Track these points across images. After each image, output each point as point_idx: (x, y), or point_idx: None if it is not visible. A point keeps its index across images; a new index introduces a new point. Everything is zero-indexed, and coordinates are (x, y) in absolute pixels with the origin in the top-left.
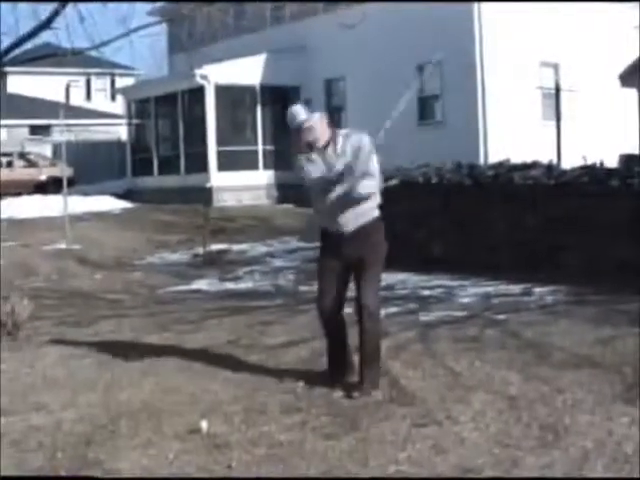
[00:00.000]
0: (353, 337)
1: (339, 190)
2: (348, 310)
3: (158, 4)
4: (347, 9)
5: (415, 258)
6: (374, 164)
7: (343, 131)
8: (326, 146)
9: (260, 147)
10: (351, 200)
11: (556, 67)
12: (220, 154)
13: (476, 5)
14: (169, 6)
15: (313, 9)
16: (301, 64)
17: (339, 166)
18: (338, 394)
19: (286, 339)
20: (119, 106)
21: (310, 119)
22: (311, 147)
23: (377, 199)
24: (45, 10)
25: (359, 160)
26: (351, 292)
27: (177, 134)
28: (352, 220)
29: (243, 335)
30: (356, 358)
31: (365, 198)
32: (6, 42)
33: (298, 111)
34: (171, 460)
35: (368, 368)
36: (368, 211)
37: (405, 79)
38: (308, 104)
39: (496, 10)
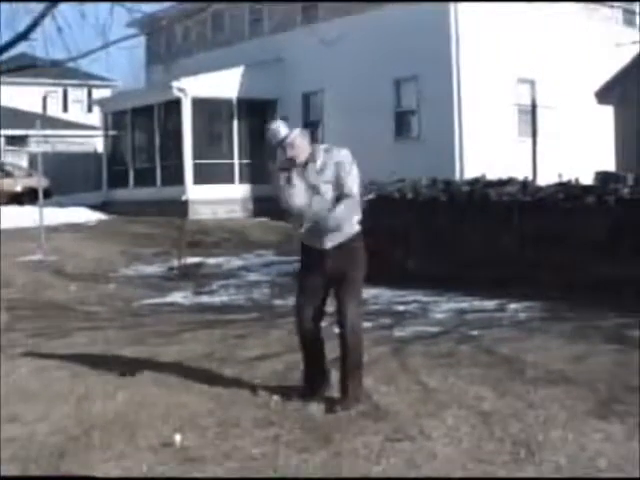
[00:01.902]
0: (330, 351)
1: (318, 208)
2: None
3: (136, 15)
4: (325, 23)
5: (389, 273)
6: (354, 179)
7: (323, 146)
8: (307, 163)
9: (236, 160)
10: (329, 225)
11: (532, 83)
12: (196, 167)
13: (453, 21)
14: (148, 18)
15: (291, 22)
16: (278, 77)
17: (319, 183)
18: (312, 408)
19: (260, 353)
20: (96, 117)
21: (290, 135)
22: (292, 164)
23: (358, 214)
24: (22, 21)
25: (340, 176)
26: (331, 306)
27: (153, 146)
28: (332, 237)
29: (217, 348)
30: (336, 373)
31: (340, 224)
32: None
33: (278, 127)
34: (144, 473)
35: (350, 383)
36: (348, 227)
37: (382, 93)
38: (285, 120)
39: (473, 25)
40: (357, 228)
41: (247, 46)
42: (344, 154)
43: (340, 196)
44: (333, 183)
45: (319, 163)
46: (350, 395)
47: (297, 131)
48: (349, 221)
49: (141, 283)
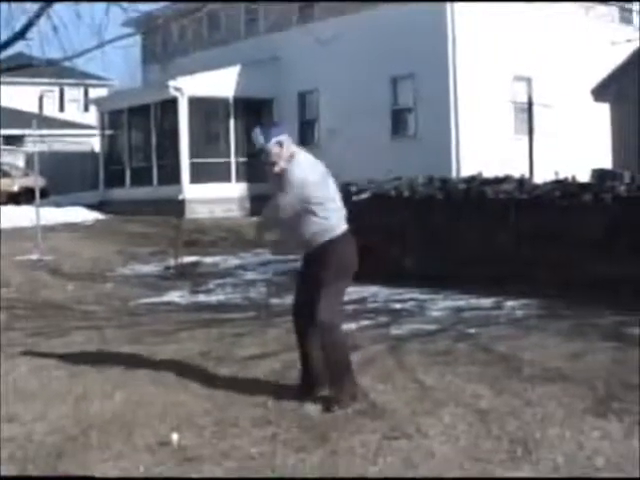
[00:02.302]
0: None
1: (285, 218)
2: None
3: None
4: (321, 22)
5: (387, 271)
6: (286, 194)
7: (301, 156)
8: (281, 172)
9: (233, 159)
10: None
11: (529, 81)
12: (193, 166)
13: (449, 19)
14: (144, 17)
15: (287, 22)
16: (274, 76)
17: (284, 194)
18: (309, 407)
19: (258, 352)
20: (92, 117)
21: (265, 144)
22: (271, 170)
23: (319, 224)
24: (19, 21)
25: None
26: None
27: (150, 146)
28: (299, 246)
29: (214, 347)
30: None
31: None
32: None
33: (256, 135)
34: (142, 472)
35: (338, 382)
36: (311, 238)
37: (378, 92)
38: (281, 119)
39: (470, 23)
40: (325, 237)
41: (243, 45)
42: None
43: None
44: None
45: (289, 175)
46: (344, 394)
47: (273, 140)
48: (312, 227)
49: (138, 282)
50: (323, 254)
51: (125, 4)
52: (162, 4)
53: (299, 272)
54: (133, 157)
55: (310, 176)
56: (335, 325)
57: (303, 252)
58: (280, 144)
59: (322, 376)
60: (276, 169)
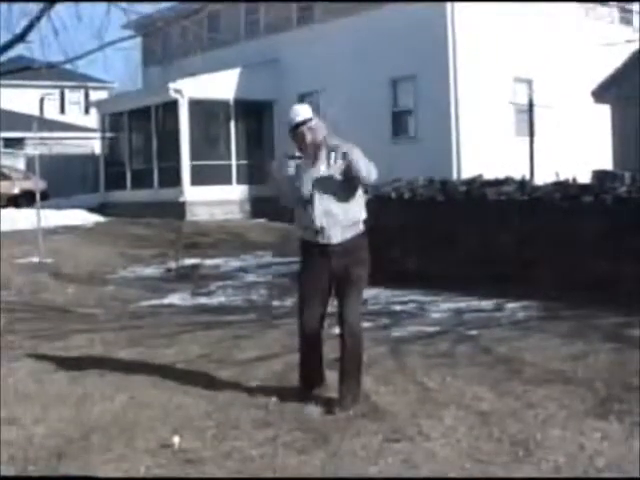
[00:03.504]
0: (329, 352)
1: (324, 200)
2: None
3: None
4: (322, 23)
5: (387, 273)
6: (367, 164)
7: (335, 141)
8: (317, 154)
9: (234, 162)
10: (339, 219)
11: (529, 83)
12: (193, 168)
13: (450, 20)
14: (144, 19)
15: (287, 23)
16: (275, 78)
17: (329, 174)
18: (310, 409)
19: (258, 354)
20: (93, 119)
21: (313, 119)
22: (303, 150)
23: (363, 214)
24: (19, 24)
25: (352, 164)
26: (331, 306)
27: (150, 148)
28: (338, 233)
29: (215, 350)
30: (335, 373)
31: (352, 217)
32: None
33: (302, 108)
34: (143, 475)
35: (349, 384)
36: (354, 225)
37: (379, 93)
38: (282, 121)
39: (470, 25)
40: (362, 228)
41: (243, 47)
42: (350, 145)
43: (354, 186)
44: (342, 175)
45: (332, 155)
46: (348, 396)
47: (319, 120)
48: (357, 214)
49: (139, 285)
50: (360, 248)
51: (125, 4)
52: (162, 5)
53: (319, 267)
54: (134, 159)
55: None
56: (360, 328)
57: (332, 241)
58: (323, 125)
59: (322, 377)
60: (312, 149)
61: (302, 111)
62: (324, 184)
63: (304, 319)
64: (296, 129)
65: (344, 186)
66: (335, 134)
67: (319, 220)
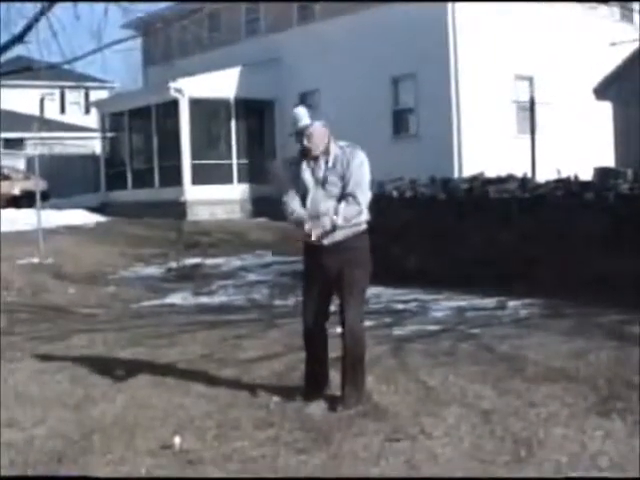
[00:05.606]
0: (332, 351)
1: (320, 203)
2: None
3: (131, 16)
4: (322, 22)
5: (389, 272)
6: (361, 180)
7: (341, 143)
8: (319, 156)
9: (234, 161)
10: (325, 222)
11: (531, 80)
12: (194, 168)
13: (450, 18)
14: (143, 19)
15: (288, 22)
16: (276, 77)
17: (326, 178)
18: (312, 409)
19: (260, 353)
20: (93, 119)
21: (311, 125)
22: (305, 154)
23: (361, 214)
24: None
25: (346, 175)
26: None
27: (151, 147)
28: (331, 235)
29: (217, 349)
30: (336, 372)
31: (337, 223)
32: None
33: (300, 114)
34: (144, 476)
35: (351, 383)
36: (352, 226)
37: (380, 92)
38: (283, 119)
39: (471, 23)
40: (361, 228)
41: (244, 46)
42: (357, 154)
43: (343, 195)
44: (340, 181)
45: (331, 158)
46: (351, 395)
47: (318, 123)
48: (348, 221)
49: (140, 285)
50: (355, 249)
51: (125, 3)
52: (163, 5)
53: (318, 267)
54: (134, 159)
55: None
56: (361, 327)
57: (324, 242)
58: (323, 128)
59: (327, 376)
60: (313, 153)
61: (300, 117)
62: (321, 185)
63: (305, 318)
64: (297, 134)
65: (342, 189)
66: (336, 133)
67: (315, 221)
